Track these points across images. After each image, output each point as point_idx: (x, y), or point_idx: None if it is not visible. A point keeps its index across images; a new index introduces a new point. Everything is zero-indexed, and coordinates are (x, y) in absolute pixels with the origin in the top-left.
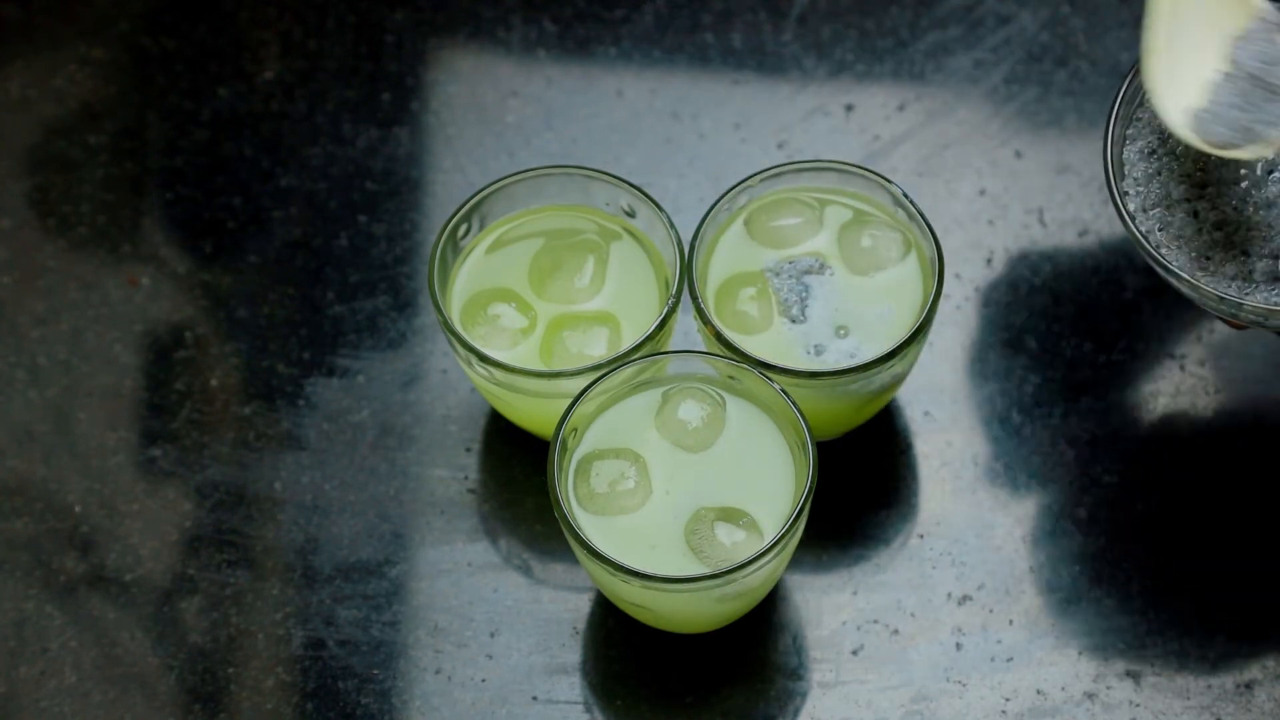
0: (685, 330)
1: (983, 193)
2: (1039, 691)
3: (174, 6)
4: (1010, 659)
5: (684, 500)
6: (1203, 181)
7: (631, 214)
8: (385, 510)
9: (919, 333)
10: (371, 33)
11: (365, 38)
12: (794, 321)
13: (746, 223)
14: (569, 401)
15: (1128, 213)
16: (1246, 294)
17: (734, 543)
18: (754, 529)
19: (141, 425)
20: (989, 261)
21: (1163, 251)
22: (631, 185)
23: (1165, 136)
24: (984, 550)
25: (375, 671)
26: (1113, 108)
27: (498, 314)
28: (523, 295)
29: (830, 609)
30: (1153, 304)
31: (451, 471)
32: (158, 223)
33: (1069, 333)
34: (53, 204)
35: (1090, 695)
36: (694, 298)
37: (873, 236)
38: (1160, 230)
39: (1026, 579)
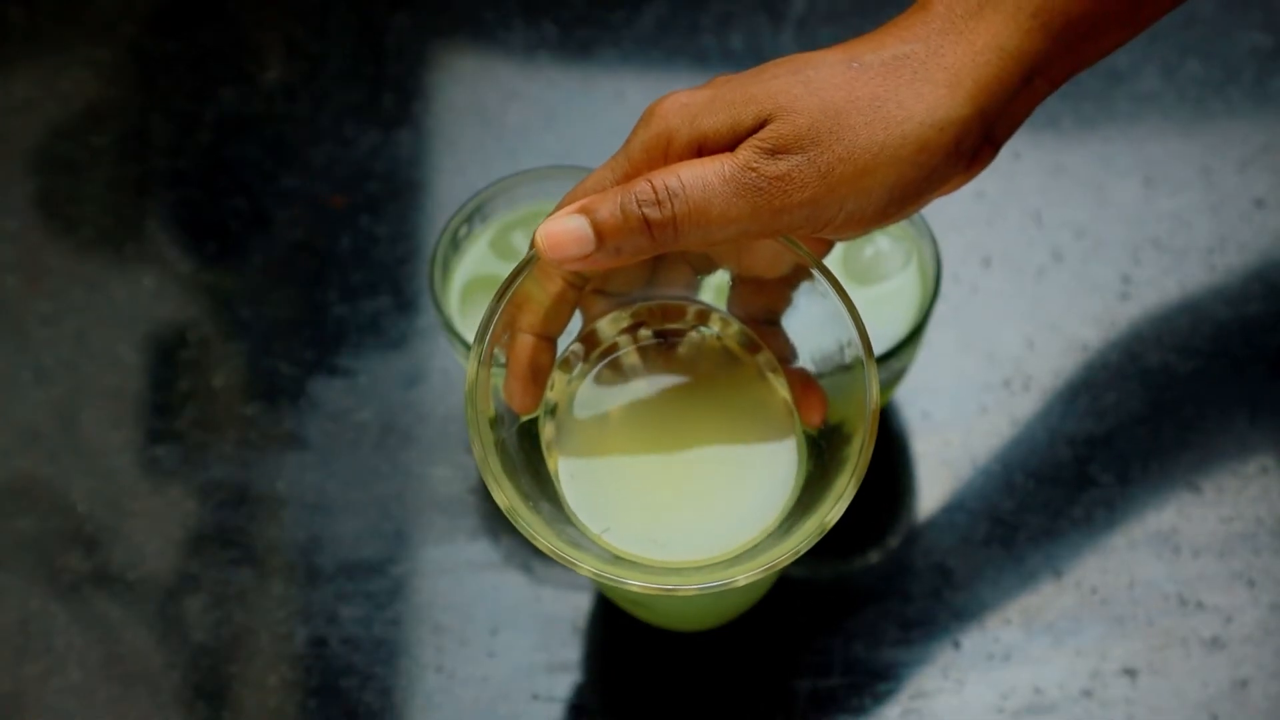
0: None
1: (980, 194)
2: (1036, 689)
3: (177, 9)
4: (1007, 657)
5: None
6: None
7: None
8: (387, 509)
9: (916, 333)
10: (373, 35)
11: (367, 40)
12: None
13: None
14: None
15: None
16: None
17: None
18: None
19: (145, 425)
20: (986, 263)
21: None
22: None
23: None
24: (984, 549)
25: (377, 669)
26: None
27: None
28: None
29: (829, 608)
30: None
31: (453, 471)
32: (161, 224)
33: (1067, 334)
34: (57, 205)
35: (1087, 693)
36: None
37: (876, 249)
38: None
39: (1026, 578)
